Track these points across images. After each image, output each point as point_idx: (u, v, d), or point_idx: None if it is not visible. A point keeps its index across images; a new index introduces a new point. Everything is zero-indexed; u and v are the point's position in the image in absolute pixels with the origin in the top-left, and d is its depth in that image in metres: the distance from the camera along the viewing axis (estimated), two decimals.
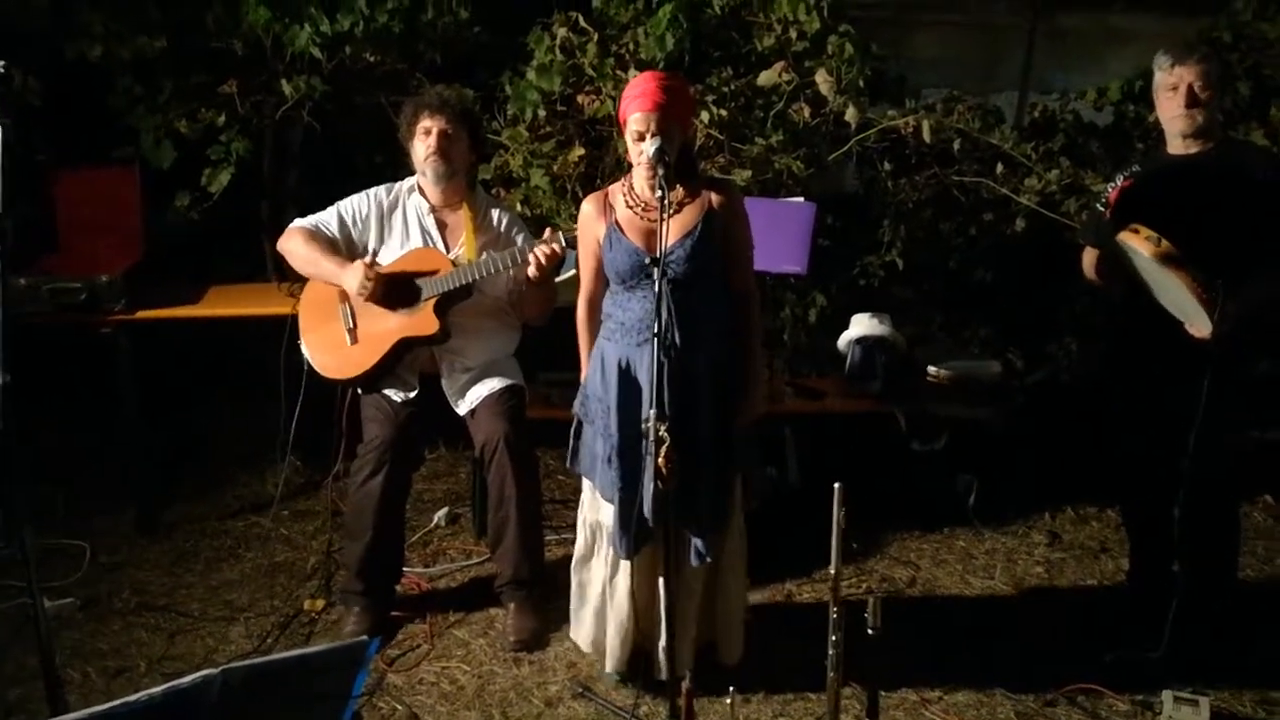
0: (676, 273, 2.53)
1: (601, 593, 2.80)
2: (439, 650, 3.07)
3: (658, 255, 2.37)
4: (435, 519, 3.86)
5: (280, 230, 3.34)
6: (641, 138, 2.52)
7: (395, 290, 3.11)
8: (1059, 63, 6.11)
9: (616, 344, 2.65)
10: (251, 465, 4.16)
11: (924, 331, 4.56)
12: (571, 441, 2.80)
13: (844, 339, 3.97)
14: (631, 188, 2.66)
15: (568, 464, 2.84)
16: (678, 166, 2.53)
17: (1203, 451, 2.76)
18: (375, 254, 3.15)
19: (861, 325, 3.93)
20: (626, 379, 2.61)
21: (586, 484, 2.80)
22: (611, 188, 2.73)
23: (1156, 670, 2.85)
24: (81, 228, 3.87)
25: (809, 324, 4.37)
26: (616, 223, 2.64)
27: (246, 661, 1.75)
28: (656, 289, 2.33)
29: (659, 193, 2.41)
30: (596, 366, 2.70)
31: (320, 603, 3.28)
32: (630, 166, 2.67)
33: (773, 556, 3.47)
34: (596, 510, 2.77)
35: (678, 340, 2.53)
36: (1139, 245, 2.64)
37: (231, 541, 3.72)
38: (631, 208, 2.64)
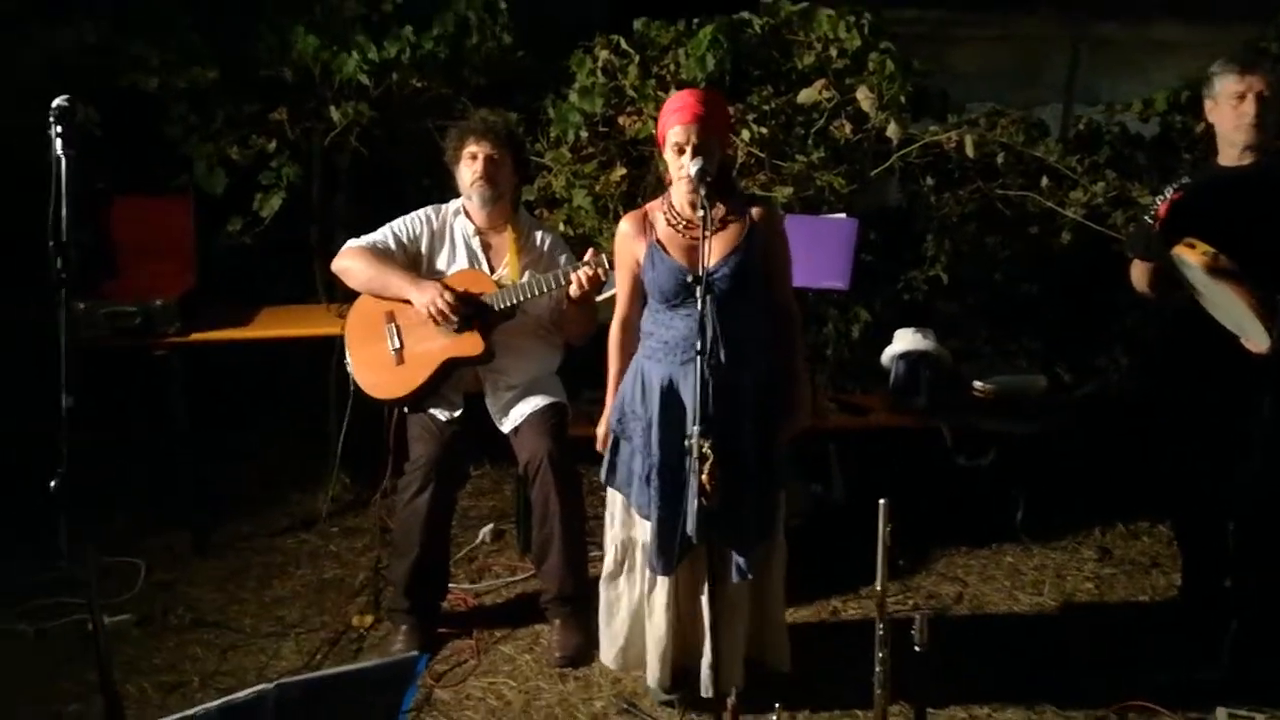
0: (721, 290, 2.53)
1: (635, 611, 2.81)
2: (485, 666, 3.10)
3: (700, 273, 2.38)
4: (480, 535, 3.90)
5: (330, 252, 3.40)
6: (681, 151, 2.54)
7: (473, 304, 3.13)
8: (1102, 73, 6.07)
9: (660, 363, 2.65)
10: (302, 483, 4.23)
11: (970, 346, 4.53)
12: (607, 457, 2.81)
13: (888, 354, 3.96)
14: (671, 205, 2.67)
15: (602, 479, 2.85)
16: (718, 184, 2.56)
17: (1264, 467, 2.71)
18: (437, 271, 3.19)
19: (905, 340, 3.92)
20: (670, 397, 2.62)
21: (618, 501, 2.80)
22: (650, 205, 2.75)
23: (1212, 689, 2.80)
24: (138, 254, 3.97)
25: (852, 340, 4.36)
26: (658, 241, 2.65)
27: (301, 677, 1.79)
28: (700, 307, 2.35)
29: (700, 210, 2.42)
30: (635, 384, 2.71)
31: (369, 619, 3.33)
32: (669, 185, 2.69)
33: (818, 573, 3.47)
34: (629, 527, 2.78)
35: (723, 357, 2.53)
36: (1193, 259, 2.61)
37: (282, 558, 3.78)
38: (672, 225, 2.65)
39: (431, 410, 3.24)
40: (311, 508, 4.10)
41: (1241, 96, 2.72)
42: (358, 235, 3.35)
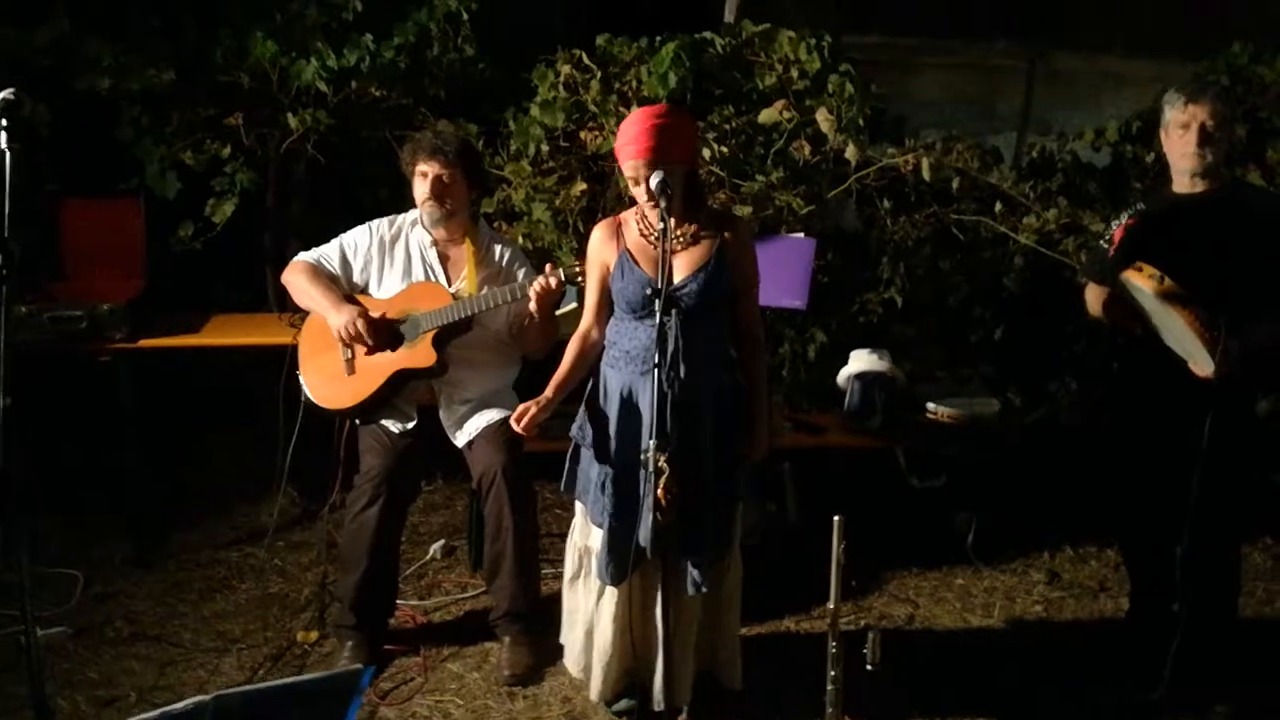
0: (688, 305, 2.52)
1: (587, 620, 2.79)
2: (432, 684, 3.04)
3: (659, 286, 2.38)
4: (431, 551, 3.84)
5: (282, 261, 3.36)
6: (638, 183, 2.53)
7: (392, 325, 3.12)
8: (1057, 104, 6.20)
9: (620, 371, 2.65)
10: (249, 496, 4.14)
11: (923, 369, 4.56)
12: (567, 465, 2.80)
13: (843, 374, 3.98)
14: (644, 215, 2.65)
15: (562, 488, 2.83)
16: (687, 198, 2.55)
17: (1206, 492, 2.75)
18: (368, 310, 3.15)
19: (861, 361, 3.94)
20: (627, 407, 2.62)
21: (579, 508, 2.80)
22: (625, 214, 2.73)
23: (1155, 709, 2.82)
24: (86, 257, 3.89)
25: (809, 360, 4.37)
26: (628, 250, 2.64)
27: (240, 688, 1.74)
28: (658, 319, 2.34)
29: (660, 224, 2.41)
30: (598, 392, 2.71)
31: (314, 635, 3.26)
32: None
33: (770, 592, 3.46)
34: (587, 535, 2.76)
35: (683, 373, 2.51)
36: (1141, 283, 2.65)
37: (226, 572, 3.69)
38: (644, 235, 2.64)
39: (384, 422, 3.19)
40: (257, 521, 4.01)
41: (1186, 126, 2.77)
42: (312, 244, 3.32)
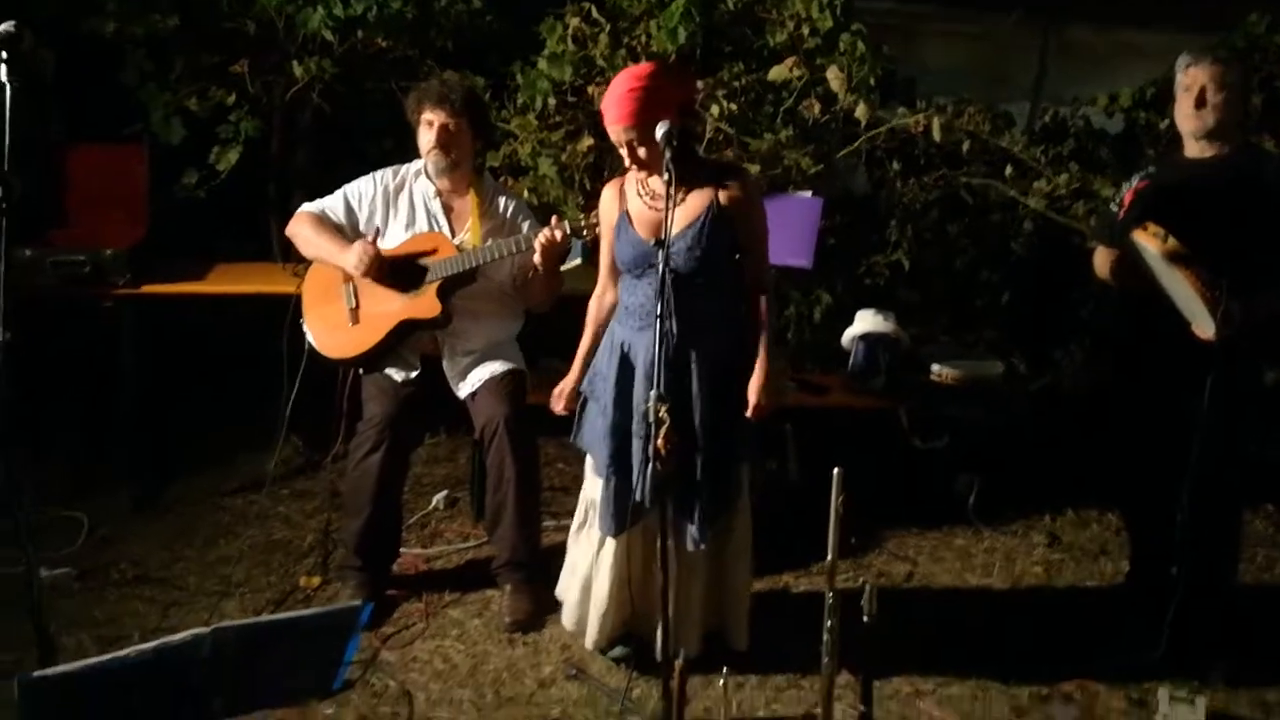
0: (675, 264, 2.49)
1: (587, 571, 2.80)
2: (434, 629, 3.06)
3: (662, 239, 2.36)
4: (434, 502, 3.86)
5: (286, 210, 3.35)
6: (621, 146, 2.53)
7: (399, 271, 3.11)
8: (1071, 76, 6.12)
9: (622, 326, 2.67)
10: (253, 444, 4.12)
11: (929, 333, 4.55)
12: (577, 415, 2.80)
13: (848, 335, 3.96)
14: (638, 176, 2.65)
15: (571, 437, 2.83)
16: (676, 156, 2.51)
17: (1207, 455, 2.74)
18: (378, 232, 3.16)
19: (866, 321, 3.92)
20: (625, 362, 2.63)
21: (589, 460, 2.81)
22: (628, 175, 2.71)
23: (1153, 669, 2.84)
24: (89, 202, 3.88)
25: (814, 322, 4.36)
26: (626, 212, 2.65)
27: (238, 622, 1.75)
28: (661, 274, 2.33)
29: (665, 175, 2.39)
30: (605, 346, 2.72)
31: (316, 580, 3.28)
32: None
33: (769, 549, 3.45)
34: (595, 487, 2.77)
35: (674, 329, 2.50)
36: (1147, 242, 2.63)
37: (230, 519, 3.71)
38: (641, 196, 2.63)
39: (387, 370, 3.20)
40: (261, 469, 4.00)
41: (1188, 89, 2.77)
42: (316, 193, 3.32)
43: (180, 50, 3.93)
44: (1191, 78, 2.75)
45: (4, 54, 2.01)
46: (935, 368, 3.94)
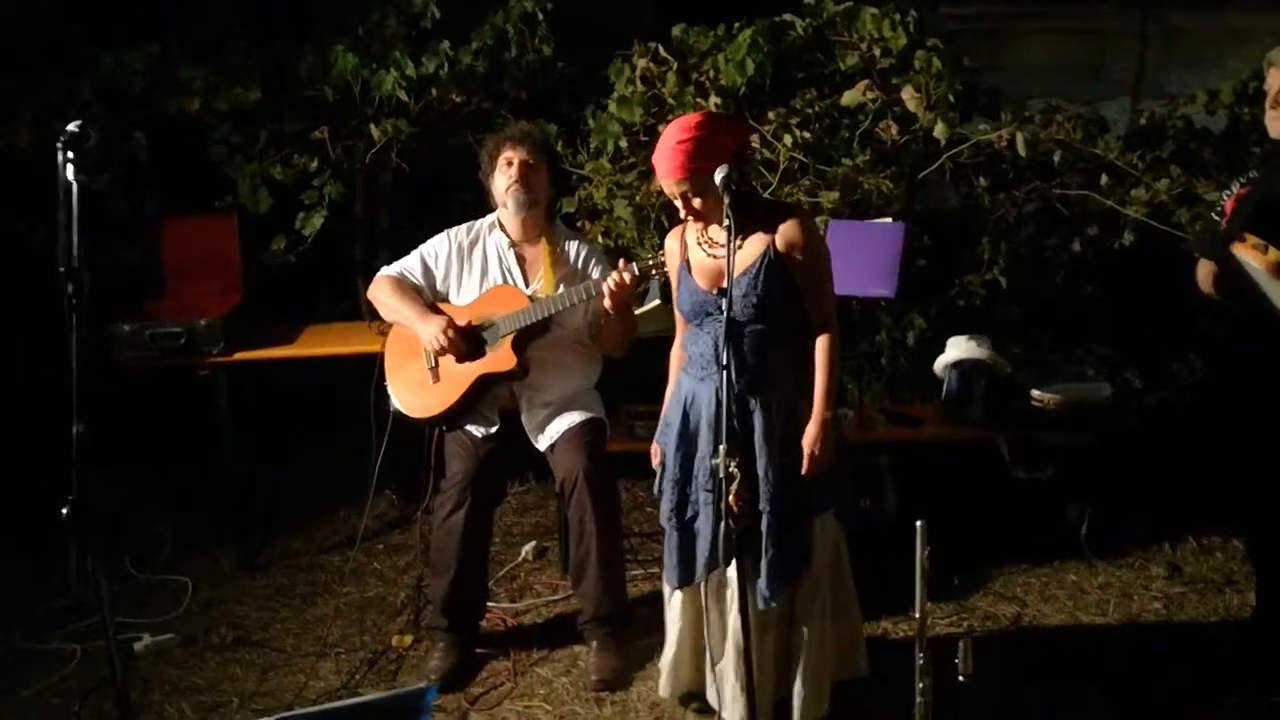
0: (735, 310, 2.41)
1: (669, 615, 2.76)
2: (521, 689, 3.04)
3: (725, 287, 2.30)
4: (523, 553, 3.85)
5: (372, 269, 3.42)
6: (674, 199, 2.49)
7: (473, 334, 3.14)
8: (1174, 65, 5.82)
9: (688, 376, 2.62)
10: (349, 501, 4.23)
11: (1032, 352, 4.35)
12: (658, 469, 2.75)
13: (940, 363, 3.81)
14: (695, 223, 2.59)
15: (654, 491, 2.76)
16: (735, 202, 2.41)
17: None
18: (454, 320, 3.16)
19: (958, 349, 3.76)
20: (689, 412, 2.58)
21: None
22: (688, 223, 2.65)
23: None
24: (185, 274, 4.02)
25: (908, 347, 4.22)
26: (687, 261, 2.61)
27: (303, 710, 1.74)
28: (725, 319, 2.26)
29: (726, 221, 2.32)
30: (674, 396, 2.68)
31: (408, 639, 3.30)
32: None
33: (866, 592, 3.33)
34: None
35: (733, 380, 2.36)
36: (1247, 255, 2.46)
37: (326, 576, 3.79)
38: (700, 244, 2.58)
39: (468, 427, 3.21)
40: (357, 526, 4.08)
41: (1269, 89, 2.60)
42: (400, 251, 3.37)
43: (263, 121, 4.06)
44: (1273, 78, 2.58)
45: (71, 153, 2.06)
46: (1036, 393, 3.75)
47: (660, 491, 2.72)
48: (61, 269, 2.03)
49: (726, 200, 2.34)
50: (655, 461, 2.74)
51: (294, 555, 3.94)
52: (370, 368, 3.52)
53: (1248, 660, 2.89)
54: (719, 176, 2.37)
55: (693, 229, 2.61)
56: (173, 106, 3.95)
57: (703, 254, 2.56)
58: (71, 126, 2.07)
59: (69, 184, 2.04)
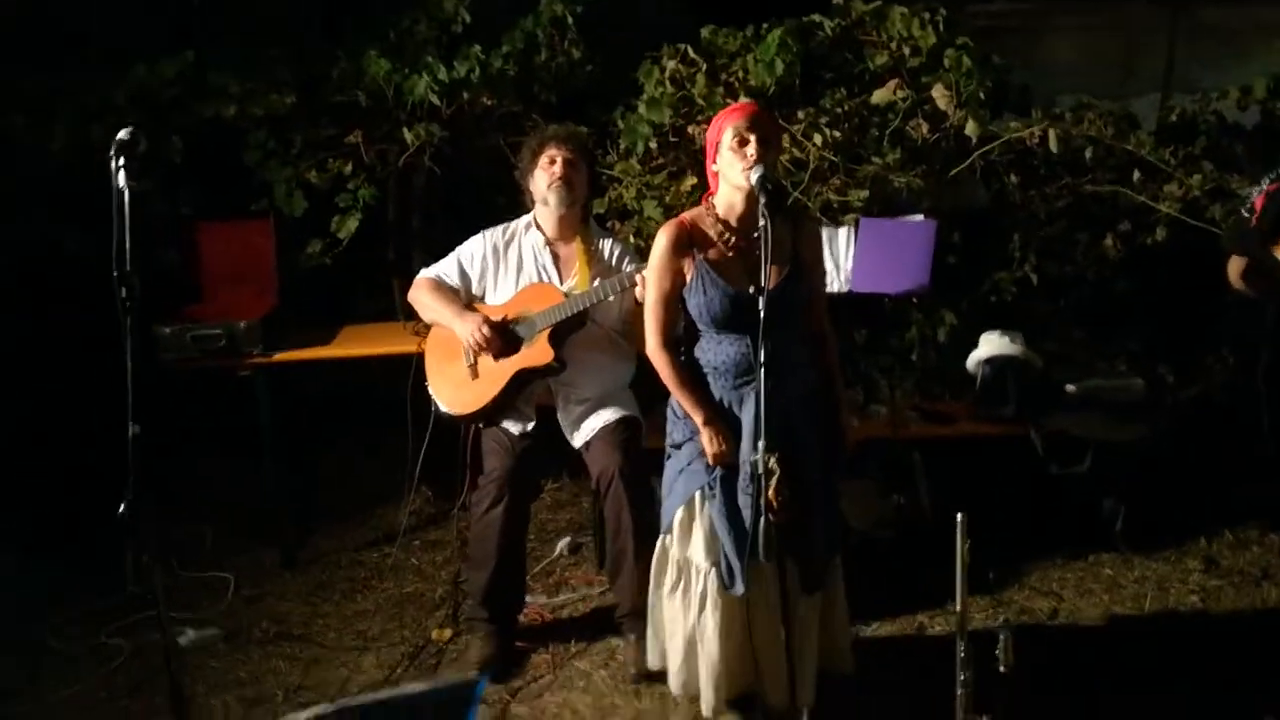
0: (771, 310, 2.36)
1: (689, 634, 2.66)
2: (561, 681, 3.08)
3: (760, 287, 2.31)
4: (558, 548, 3.89)
5: (407, 271, 3.48)
6: (744, 142, 2.43)
7: (510, 331, 3.18)
8: (1204, 60, 5.78)
9: (714, 386, 2.61)
10: (387, 498, 4.28)
11: (1065, 348, 4.35)
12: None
13: (972, 359, 3.82)
14: (719, 218, 2.57)
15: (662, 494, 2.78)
16: (770, 200, 2.40)
17: None
18: (489, 317, 3.21)
19: (991, 344, 3.77)
20: (725, 420, 2.58)
21: (676, 516, 2.67)
22: (691, 216, 2.60)
23: None
24: (222, 277, 4.09)
25: (939, 344, 4.23)
26: (706, 260, 2.53)
27: (356, 700, 1.78)
28: (762, 321, 2.27)
29: (761, 220, 2.34)
30: (714, 409, 2.61)
31: (447, 632, 3.35)
32: (712, 195, 2.60)
33: (902, 587, 3.36)
34: (686, 546, 2.65)
35: (766, 381, 2.34)
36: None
37: (366, 572, 3.83)
38: (724, 241, 2.54)
39: (505, 424, 3.25)
40: (396, 522, 4.14)
41: None
42: (434, 253, 3.44)
43: (298, 126, 4.12)
44: None
45: (121, 160, 2.10)
46: (1069, 388, 3.75)
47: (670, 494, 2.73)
48: (115, 273, 2.07)
49: (763, 200, 2.36)
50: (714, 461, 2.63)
51: (333, 552, 3.99)
52: (406, 367, 3.58)
53: None
54: (754, 176, 2.41)
55: (707, 226, 2.58)
56: (209, 112, 4.01)
57: (727, 251, 2.56)
58: (123, 134, 2.11)
59: (120, 190, 2.08)
